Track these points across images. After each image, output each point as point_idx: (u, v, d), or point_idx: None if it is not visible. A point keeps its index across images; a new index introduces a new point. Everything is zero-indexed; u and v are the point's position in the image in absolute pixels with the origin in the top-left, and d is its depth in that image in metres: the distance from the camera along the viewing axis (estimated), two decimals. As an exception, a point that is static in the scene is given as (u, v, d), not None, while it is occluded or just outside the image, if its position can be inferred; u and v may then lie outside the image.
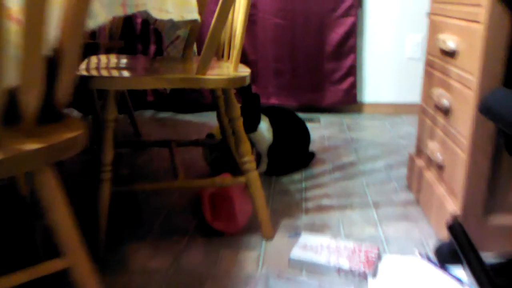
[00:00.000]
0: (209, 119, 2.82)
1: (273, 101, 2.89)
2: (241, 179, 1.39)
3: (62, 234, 0.81)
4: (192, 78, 1.24)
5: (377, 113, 2.94)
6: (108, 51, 2.22)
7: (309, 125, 2.66)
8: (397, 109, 2.93)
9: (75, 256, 0.82)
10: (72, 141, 0.78)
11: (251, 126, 1.86)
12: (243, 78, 1.29)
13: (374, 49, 2.87)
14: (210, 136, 1.90)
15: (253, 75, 2.86)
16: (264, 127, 1.88)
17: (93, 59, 1.50)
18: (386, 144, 2.35)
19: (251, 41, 2.82)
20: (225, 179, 1.39)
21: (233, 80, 1.27)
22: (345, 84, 2.85)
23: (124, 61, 1.49)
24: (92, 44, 2.08)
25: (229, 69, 1.35)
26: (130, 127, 2.51)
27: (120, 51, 2.87)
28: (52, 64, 0.79)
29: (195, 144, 1.74)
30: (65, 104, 0.81)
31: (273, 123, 1.90)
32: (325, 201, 1.69)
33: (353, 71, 2.84)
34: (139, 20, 2.83)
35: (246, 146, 1.37)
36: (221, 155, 1.85)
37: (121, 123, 2.55)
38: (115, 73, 1.23)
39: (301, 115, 2.87)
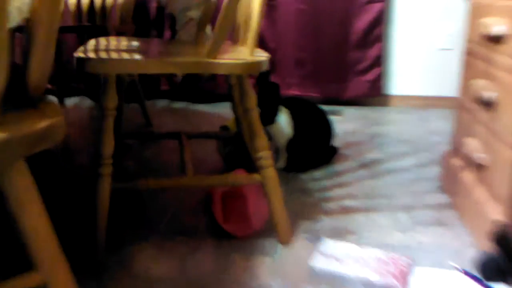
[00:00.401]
0: (226, 110, 2.67)
1: (294, 92, 2.73)
2: (256, 177, 1.24)
3: (37, 243, 0.67)
4: (201, 62, 1.10)
5: (404, 106, 2.75)
6: (119, 36, 2.09)
7: (332, 119, 2.49)
8: (426, 103, 2.75)
9: (53, 270, 0.68)
10: (48, 130, 0.64)
11: (269, 118, 1.71)
12: (259, 63, 1.14)
13: (403, 38, 2.69)
14: (224, 128, 1.75)
15: (272, 64, 2.71)
16: (283, 119, 1.73)
17: (96, 41, 1.36)
18: (415, 140, 2.17)
19: (270, 27, 2.66)
20: (238, 177, 1.24)
21: (248, 65, 1.12)
22: (371, 75, 2.67)
23: (129, 43, 1.35)
24: (100, 27, 1.95)
25: (245, 54, 1.20)
26: (142, 117, 2.38)
27: (133, 36, 2.75)
28: (26, 38, 0.65)
29: (207, 137, 1.60)
30: (41, 86, 0.67)
31: (293, 116, 1.75)
32: (349, 202, 1.53)
33: (379, 61, 2.66)
34: (153, 5, 2.69)
35: (262, 140, 1.22)
36: (235, 149, 1.71)
37: (132, 113, 2.42)
38: (114, 55, 1.09)
39: (323, 107, 2.71)
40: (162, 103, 2.84)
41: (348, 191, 1.61)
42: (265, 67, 1.16)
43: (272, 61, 2.70)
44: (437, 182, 1.69)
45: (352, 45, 2.64)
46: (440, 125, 2.42)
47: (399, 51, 2.71)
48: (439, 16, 2.63)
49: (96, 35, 2.00)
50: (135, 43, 1.36)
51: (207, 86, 2.79)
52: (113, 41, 1.38)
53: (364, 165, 1.85)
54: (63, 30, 2.03)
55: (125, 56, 1.08)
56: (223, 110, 2.67)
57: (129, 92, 2.29)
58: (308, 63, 2.69)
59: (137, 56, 1.10)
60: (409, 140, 2.16)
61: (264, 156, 1.22)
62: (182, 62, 1.09)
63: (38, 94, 0.68)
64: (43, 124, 0.64)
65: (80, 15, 2.36)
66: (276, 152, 1.83)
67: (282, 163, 1.81)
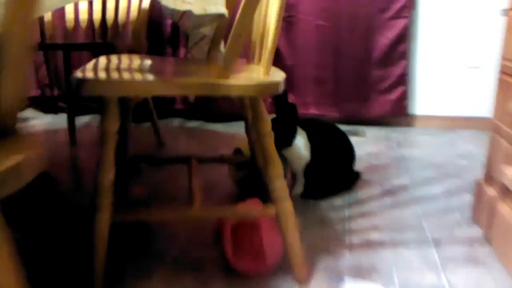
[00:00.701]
0: (241, 129, 2.56)
1: (313, 111, 2.62)
2: (270, 209, 1.12)
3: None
4: (211, 84, 0.99)
5: (429, 127, 2.61)
6: (130, 54, 2.01)
7: (353, 140, 2.36)
8: (454, 124, 2.60)
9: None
10: (19, 167, 0.54)
11: (286, 140, 1.59)
12: (275, 85, 1.03)
13: (428, 55, 2.56)
14: (238, 151, 1.64)
15: (290, 82, 2.60)
16: (301, 142, 1.61)
17: (100, 60, 1.27)
18: (443, 164, 2.03)
19: (288, 44, 2.56)
20: (250, 209, 1.12)
21: (262, 87, 1.01)
22: (395, 94, 2.54)
23: (136, 62, 1.26)
24: (110, 45, 1.87)
25: (259, 73, 1.09)
26: (154, 137, 2.28)
27: (145, 54, 2.68)
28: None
29: (219, 161, 1.49)
30: (14, 113, 0.57)
31: (311, 138, 1.63)
32: (374, 235, 1.39)
33: (404, 79, 2.53)
34: (169, 21, 2.62)
35: (276, 169, 1.11)
36: (249, 175, 1.59)
37: (143, 133, 2.33)
38: (115, 76, 1.00)
39: (344, 127, 2.58)
40: (176, 122, 2.75)
41: (372, 222, 1.48)
42: (280, 89, 1.05)
43: (289, 79, 2.60)
44: (468, 212, 1.55)
45: (375, 62, 2.52)
46: (468, 148, 2.27)
47: (424, 69, 2.58)
48: (467, 32, 2.50)
49: (107, 52, 1.93)
50: (143, 62, 1.26)
51: (222, 105, 2.69)
52: (119, 60, 1.28)
53: (389, 192, 1.72)
54: (73, 47, 1.96)
55: (127, 77, 0.98)
56: (239, 130, 2.56)
57: (141, 110, 2.20)
58: (328, 82, 2.58)
59: (140, 77, 1.00)
60: (436, 164, 2.02)
61: (279, 186, 1.11)
62: (189, 83, 0.99)
63: (9, 122, 0.58)
64: (12, 160, 0.53)
65: (93, 32, 2.29)
66: (292, 177, 1.71)
67: (299, 189, 1.68)
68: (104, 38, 2.23)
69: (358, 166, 1.95)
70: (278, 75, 1.09)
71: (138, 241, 1.34)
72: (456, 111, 2.59)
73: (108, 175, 1.03)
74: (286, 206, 1.11)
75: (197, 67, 1.23)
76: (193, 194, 1.18)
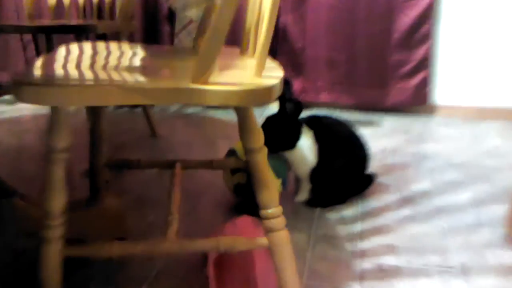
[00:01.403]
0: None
1: (324, 98, 2.38)
2: (262, 241, 0.91)
3: None
4: (181, 90, 0.77)
5: (453, 118, 2.35)
6: (115, 38, 1.78)
7: (368, 131, 2.13)
8: (480, 114, 2.34)
9: None
10: None
11: (289, 142, 1.38)
12: (267, 91, 0.80)
13: (452, 37, 2.28)
14: (232, 153, 1.42)
15: (299, 66, 2.35)
16: (306, 143, 1.39)
17: (59, 51, 1.05)
18: (469, 164, 1.79)
19: (298, 24, 2.31)
20: (236, 241, 0.91)
21: (250, 94, 0.79)
22: (415, 80, 2.29)
23: (101, 55, 1.03)
24: (89, 26, 1.64)
25: (249, 73, 0.86)
26: (147, 125, 2.08)
27: (142, 37, 2.45)
28: None
29: (209, 167, 1.27)
30: None
31: (317, 138, 1.41)
32: (389, 260, 1.18)
33: (426, 64, 2.27)
34: (166, -3, 2.38)
35: (270, 194, 0.89)
36: (246, 180, 1.38)
37: (136, 120, 2.12)
38: (59, 78, 0.78)
39: (358, 116, 2.35)
40: (173, 107, 2.53)
41: (387, 241, 1.26)
42: (275, 95, 0.83)
43: (299, 63, 2.35)
44: (501, 228, 1.32)
45: (395, 45, 2.25)
46: (497, 144, 2.02)
47: (448, 52, 2.30)
48: (499, 12, 2.22)
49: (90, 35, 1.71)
50: (110, 54, 1.04)
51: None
52: (81, 51, 1.06)
53: (408, 200, 1.49)
54: (41, 30, 1.73)
55: (74, 81, 0.76)
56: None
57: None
58: (341, 65, 2.33)
59: (91, 80, 0.78)
60: (462, 165, 1.78)
61: (273, 214, 0.89)
62: (153, 90, 0.76)
63: None
64: None
65: (84, 11, 2.07)
66: (296, 182, 1.50)
67: (303, 196, 1.47)
68: (96, 17, 2.01)
69: (372, 165, 1.73)
70: (274, 75, 0.86)
71: (105, 265, 1.15)
72: (483, 101, 2.33)
73: (57, 201, 0.83)
74: (281, 237, 0.90)
75: (178, 63, 1.01)
76: (170, 219, 0.97)
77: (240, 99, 0.78)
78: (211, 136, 2.05)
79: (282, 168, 1.41)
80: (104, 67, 0.89)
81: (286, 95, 1.37)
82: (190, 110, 2.52)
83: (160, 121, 2.28)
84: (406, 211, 1.42)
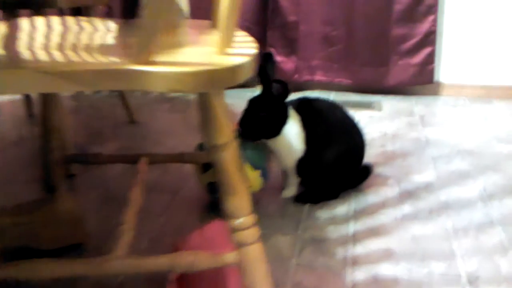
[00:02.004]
0: (236, 99, 2.16)
1: (319, 77, 2.19)
2: (230, 258, 0.75)
3: None
4: (118, 72, 0.59)
5: (459, 98, 2.17)
6: (85, 12, 1.59)
7: (366, 114, 1.95)
8: (489, 93, 2.15)
9: None
10: None
11: (273, 128, 1.20)
12: (230, 72, 0.63)
13: (461, 9, 2.08)
14: (201, 147, 1.24)
15: (292, 42, 2.16)
16: (293, 130, 1.22)
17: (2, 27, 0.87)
18: (478, 151, 1.61)
19: (291, -5, 2.10)
20: (196, 258, 0.74)
21: (207, 76, 0.61)
22: (419, 57, 2.10)
23: (41, 30, 0.85)
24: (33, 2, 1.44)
25: (211, 50, 0.69)
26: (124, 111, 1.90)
27: (125, 11, 2.25)
28: None
29: (179, 161, 1.10)
30: None
31: (307, 124, 1.23)
32: (386, 268, 1.02)
33: (431, 39, 2.07)
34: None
35: (239, 199, 0.72)
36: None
37: (115, 106, 1.95)
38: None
39: (356, 98, 2.16)
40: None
41: (385, 245, 1.10)
42: (240, 77, 0.65)
43: (292, 39, 2.15)
44: (516, 228, 1.16)
45: (396, 18, 2.05)
46: (508, 127, 1.84)
47: (454, 27, 2.10)
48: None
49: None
50: (50, 31, 0.86)
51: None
52: (40, 25, 0.87)
53: (409, 195, 1.32)
54: None
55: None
56: (232, 100, 2.16)
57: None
58: (338, 41, 2.13)
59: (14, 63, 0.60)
60: (471, 152, 1.61)
61: (243, 224, 0.73)
62: (80, 73, 0.59)
63: None
64: None
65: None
66: (283, 175, 1.33)
67: (290, 191, 1.31)
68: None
69: (369, 153, 1.55)
70: (243, 53, 0.68)
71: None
72: (492, 79, 2.14)
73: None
74: (253, 253, 0.74)
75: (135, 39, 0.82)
76: (121, 230, 0.80)
77: (193, 83, 0.61)
78: (195, 123, 1.88)
79: (260, 157, 1.22)
80: (31, 46, 0.71)
81: (270, 75, 1.19)
82: (174, 94, 2.33)
83: (141, 106, 2.10)
84: (406, 208, 1.26)
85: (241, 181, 0.73)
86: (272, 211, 1.25)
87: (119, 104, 1.91)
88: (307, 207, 1.26)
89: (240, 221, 0.73)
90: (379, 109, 2.03)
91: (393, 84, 2.15)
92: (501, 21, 2.06)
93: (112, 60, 0.63)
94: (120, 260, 0.73)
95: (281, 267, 1.02)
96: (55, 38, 0.77)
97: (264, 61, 1.20)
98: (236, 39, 0.75)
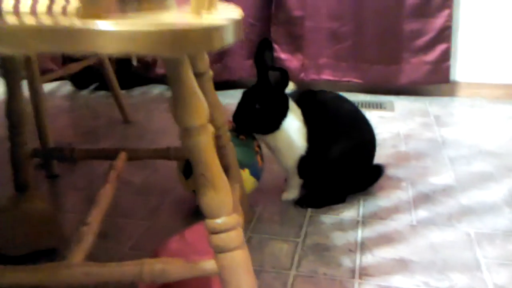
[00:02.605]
0: (232, 99, 2.04)
1: (327, 76, 2.06)
2: (208, 265, 0.62)
3: None
4: (60, 31, 0.47)
5: (478, 98, 2.02)
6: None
7: (377, 114, 1.81)
8: (509, 93, 2.00)
9: None
10: None
11: (271, 122, 1.07)
12: (203, 33, 0.50)
13: (479, 3, 1.94)
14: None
15: (298, 39, 2.03)
16: (294, 124, 1.09)
17: None
18: (500, 152, 1.47)
19: (297, -12, 1.98)
20: (167, 265, 0.61)
21: (173, 37, 0.49)
22: (434, 54, 1.95)
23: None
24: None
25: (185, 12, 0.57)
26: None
27: None
28: None
29: (165, 157, 0.98)
30: None
31: (309, 118, 1.10)
32: (399, 280, 0.88)
33: (446, 35, 1.93)
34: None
35: (218, 195, 0.60)
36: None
37: (111, 105, 1.83)
38: None
39: (366, 98, 2.03)
40: (156, 90, 2.23)
41: (398, 254, 0.96)
42: (217, 41, 0.52)
43: (297, 35, 2.03)
44: (549, 236, 1.01)
45: (408, 12, 1.92)
46: (533, 127, 1.69)
47: (472, 21, 1.96)
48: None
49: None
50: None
51: (215, 70, 2.14)
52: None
53: (425, 198, 1.18)
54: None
55: None
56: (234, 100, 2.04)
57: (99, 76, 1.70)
58: (347, 38, 2.00)
59: None
60: (491, 153, 1.46)
61: (223, 226, 0.60)
62: (16, 32, 0.47)
63: None
64: None
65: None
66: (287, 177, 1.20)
67: (291, 193, 1.17)
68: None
69: (380, 154, 1.41)
70: (222, 17, 0.56)
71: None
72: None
73: None
74: (235, 259, 0.61)
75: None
76: (81, 232, 0.67)
77: (157, 44, 0.48)
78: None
79: (246, 153, 1.08)
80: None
81: (267, 61, 1.07)
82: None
83: (139, 105, 1.99)
84: (422, 213, 1.11)
85: (220, 172, 0.60)
86: (270, 216, 1.12)
87: (115, 104, 1.80)
88: (309, 211, 1.13)
89: (219, 222, 0.60)
90: (391, 109, 1.89)
91: (405, 83, 2.00)
92: (522, 15, 1.91)
93: (53, 18, 0.51)
94: (75, 268, 0.60)
95: (278, 278, 0.89)
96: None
97: (261, 48, 1.08)
98: (219, 6, 0.63)
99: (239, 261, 0.61)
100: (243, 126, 1.08)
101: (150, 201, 1.18)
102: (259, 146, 1.12)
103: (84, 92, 2.22)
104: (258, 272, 0.90)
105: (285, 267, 0.92)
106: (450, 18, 1.90)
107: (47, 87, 2.34)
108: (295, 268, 0.92)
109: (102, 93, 2.17)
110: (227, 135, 0.95)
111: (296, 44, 2.03)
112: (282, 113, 1.08)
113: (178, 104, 0.57)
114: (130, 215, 1.12)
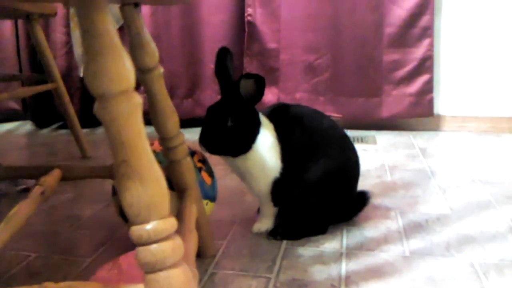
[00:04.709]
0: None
1: (304, 111, 1.93)
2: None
3: None
4: None
5: (465, 132, 1.91)
6: None
7: (360, 147, 1.68)
8: (496, 126, 1.90)
9: None
10: None
11: (246, 141, 0.92)
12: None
13: (461, 32, 1.87)
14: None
15: (273, 72, 1.93)
16: (267, 142, 0.94)
17: None
18: (495, 181, 1.33)
19: (270, 21, 1.90)
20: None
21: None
22: (416, 86, 1.86)
23: None
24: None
25: None
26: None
27: None
28: None
29: (100, 176, 0.81)
30: None
31: (283, 135, 0.95)
32: (394, 321, 0.70)
33: (428, 65, 1.85)
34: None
35: (146, 190, 0.43)
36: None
37: (71, 143, 1.68)
38: None
39: (347, 133, 1.89)
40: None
41: (389, 288, 0.79)
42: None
43: (272, 68, 1.93)
44: None
45: (388, 42, 1.84)
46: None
47: (453, 51, 1.89)
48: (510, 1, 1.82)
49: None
50: None
51: (188, 108, 2.01)
52: None
53: (418, 229, 1.02)
54: None
55: None
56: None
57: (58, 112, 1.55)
58: (324, 70, 1.90)
59: None
60: (487, 181, 1.32)
61: (153, 234, 0.43)
62: None
63: None
64: None
65: None
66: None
67: (264, 224, 1.01)
68: None
69: (365, 184, 1.27)
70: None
71: None
72: (499, 110, 1.89)
73: None
74: (170, 281, 0.44)
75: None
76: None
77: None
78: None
79: None
80: None
81: (230, 71, 0.93)
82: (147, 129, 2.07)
83: (101, 142, 1.84)
84: (415, 243, 0.95)
85: (150, 159, 0.44)
86: (238, 249, 0.94)
87: (73, 140, 1.64)
88: (284, 243, 0.96)
89: (148, 228, 0.43)
90: (373, 142, 1.76)
91: (387, 117, 1.89)
92: (506, 45, 1.84)
93: None
94: None
95: (243, 321, 0.70)
96: None
97: (221, 57, 0.93)
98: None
99: (176, 284, 0.44)
100: (214, 148, 0.92)
101: (96, 237, 1.00)
102: (202, 161, 0.95)
103: (45, 131, 2.07)
104: (219, 314, 0.72)
105: (253, 308, 0.74)
106: (431, 47, 1.83)
107: (6, 126, 2.20)
108: (265, 308, 0.74)
109: (64, 131, 2.03)
110: (183, 148, 0.80)
111: (271, 77, 1.92)
112: (256, 130, 0.93)
113: (91, 62, 0.42)
114: (70, 251, 0.94)
